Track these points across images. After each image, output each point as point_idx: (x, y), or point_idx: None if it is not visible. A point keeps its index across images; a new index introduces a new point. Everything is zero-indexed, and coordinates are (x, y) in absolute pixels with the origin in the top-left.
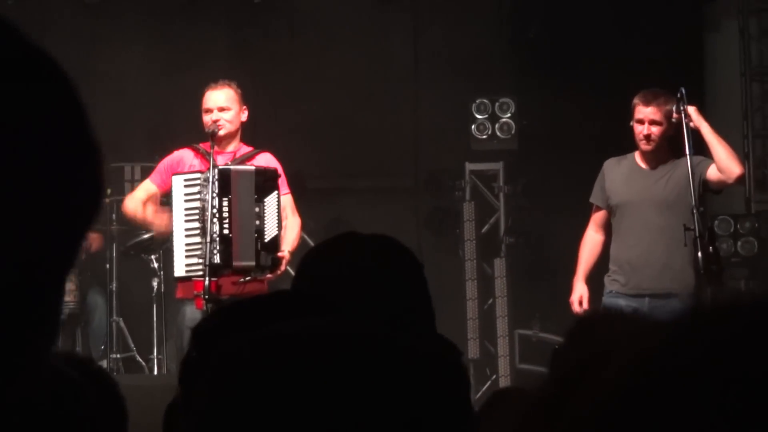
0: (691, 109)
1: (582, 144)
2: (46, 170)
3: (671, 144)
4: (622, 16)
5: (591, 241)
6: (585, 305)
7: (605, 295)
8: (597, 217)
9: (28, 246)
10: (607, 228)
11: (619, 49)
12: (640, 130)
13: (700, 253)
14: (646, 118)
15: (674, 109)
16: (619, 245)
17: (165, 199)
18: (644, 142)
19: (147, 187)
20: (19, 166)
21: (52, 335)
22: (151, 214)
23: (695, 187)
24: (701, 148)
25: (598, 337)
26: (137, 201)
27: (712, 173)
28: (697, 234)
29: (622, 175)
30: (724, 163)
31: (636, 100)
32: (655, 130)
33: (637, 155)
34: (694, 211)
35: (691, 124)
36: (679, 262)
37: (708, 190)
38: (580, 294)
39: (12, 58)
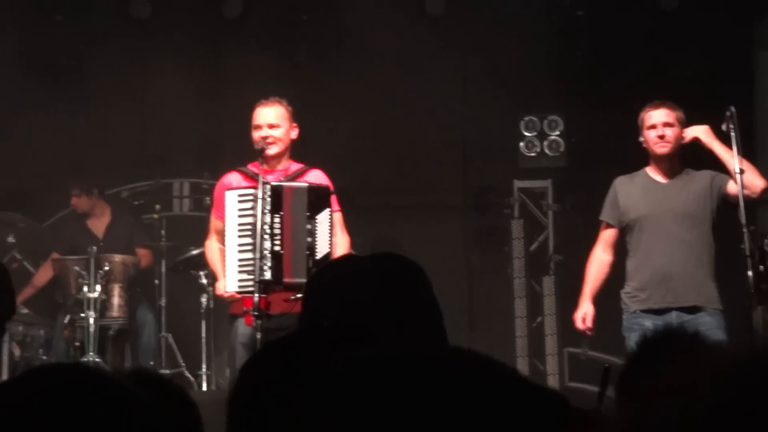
0: (702, 129)
1: (631, 161)
2: None
3: (683, 155)
4: (671, 34)
5: (599, 261)
6: (589, 323)
7: (626, 315)
8: (607, 236)
9: None
10: (616, 247)
11: (667, 67)
12: (654, 133)
13: (750, 272)
14: (659, 121)
15: (724, 126)
16: (640, 260)
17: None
18: (660, 144)
19: (215, 226)
20: None
21: None
22: (219, 270)
23: (743, 206)
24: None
25: (670, 363)
26: (216, 251)
27: (732, 188)
28: (748, 253)
29: (638, 190)
30: (747, 178)
31: (644, 110)
32: (669, 132)
33: (649, 170)
34: (744, 230)
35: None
36: (702, 274)
37: (727, 204)
38: (584, 312)
39: None
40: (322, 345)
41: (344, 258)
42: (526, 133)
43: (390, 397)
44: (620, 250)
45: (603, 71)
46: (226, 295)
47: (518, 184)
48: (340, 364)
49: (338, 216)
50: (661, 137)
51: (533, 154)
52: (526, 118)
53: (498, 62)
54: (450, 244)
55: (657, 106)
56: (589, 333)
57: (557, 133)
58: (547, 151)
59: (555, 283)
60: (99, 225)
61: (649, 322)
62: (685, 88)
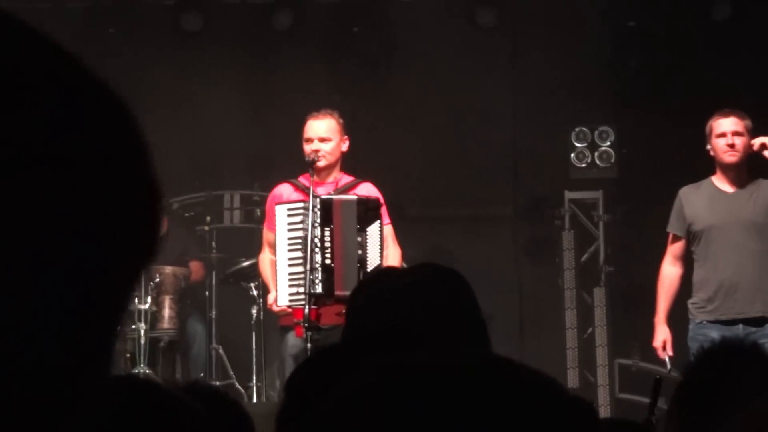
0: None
1: (682, 172)
2: (101, 208)
3: (749, 164)
4: (722, 43)
5: (669, 276)
6: (669, 351)
7: (693, 325)
8: (675, 248)
9: (82, 287)
10: (685, 259)
11: (719, 77)
12: (723, 142)
13: None
14: (729, 129)
15: None
16: (707, 270)
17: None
18: (729, 152)
19: (268, 239)
20: (71, 203)
21: (102, 372)
22: (271, 283)
23: None
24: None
25: (729, 377)
26: (267, 264)
27: None
28: None
29: (704, 200)
30: None
31: (713, 119)
32: (738, 141)
33: (714, 179)
34: None
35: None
36: None
37: None
38: (663, 339)
39: (66, 81)
40: (365, 355)
41: (384, 270)
42: (577, 144)
43: (415, 406)
44: (690, 260)
45: (654, 82)
46: (276, 309)
47: (569, 195)
48: (369, 373)
49: (389, 228)
50: (731, 146)
51: (584, 165)
52: (577, 129)
53: (549, 73)
54: (501, 256)
55: (726, 115)
56: (670, 360)
57: (608, 143)
58: (598, 162)
59: (606, 294)
60: None
61: (715, 333)
62: (738, 98)
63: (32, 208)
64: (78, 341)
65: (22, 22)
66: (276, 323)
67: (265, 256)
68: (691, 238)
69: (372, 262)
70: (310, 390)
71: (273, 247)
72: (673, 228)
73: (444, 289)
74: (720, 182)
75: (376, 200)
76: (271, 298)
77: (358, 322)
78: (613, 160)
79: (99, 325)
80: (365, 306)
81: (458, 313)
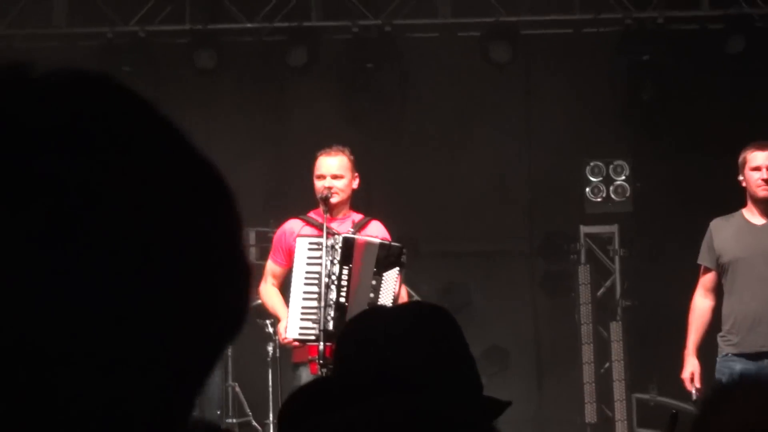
0: None
1: (698, 205)
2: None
3: None
4: (737, 76)
5: (700, 308)
6: (697, 383)
7: (720, 358)
8: (706, 280)
9: (175, 356)
10: (717, 291)
11: (733, 110)
12: (758, 176)
13: None
14: (763, 164)
15: None
16: (733, 303)
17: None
18: (763, 187)
19: (273, 271)
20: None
21: None
22: (281, 312)
23: None
24: None
25: (742, 413)
26: (274, 294)
27: None
28: None
29: (733, 232)
30: None
31: (748, 150)
32: None
33: (745, 211)
34: None
35: None
36: None
37: None
38: (691, 371)
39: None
40: (358, 390)
41: (373, 308)
42: (592, 179)
43: None
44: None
45: (668, 115)
46: (285, 341)
47: (584, 229)
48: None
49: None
50: (765, 180)
51: (599, 200)
52: (592, 164)
53: (563, 108)
54: (517, 290)
55: (762, 148)
56: (697, 393)
57: (623, 178)
58: (613, 196)
59: (622, 329)
60: None
61: (739, 366)
62: (752, 130)
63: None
64: (176, 393)
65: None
66: (290, 360)
67: (267, 287)
68: (721, 270)
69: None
70: (303, 420)
71: (278, 279)
72: (703, 260)
73: (431, 328)
74: (750, 215)
75: (399, 247)
76: (282, 326)
77: (347, 359)
78: (628, 194)
79: (192, 382)
80: (349, 341)
81: (446, 351)
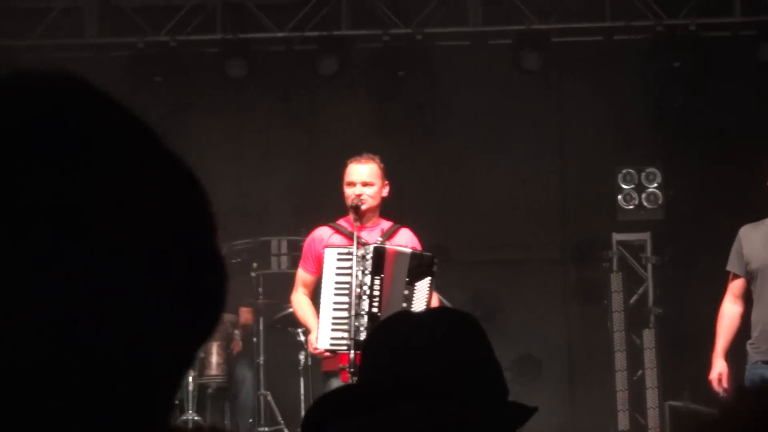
0: None
1: (730, 212)
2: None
3: None
4: None
5: (729, 314)
6: (725, 383)
7: (749, 365)
8: (735, 286)
9: (150, 347)
10: (746, 297)
11: (766, 116)
12: None
13: None
14: None
15: None
16: (761, 310)
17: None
18: None
19: (303, 280)
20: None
21: None
22: (312, 323)
23: None
24: None
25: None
26: (305, 304)
27: None
28: None
29: (761, 239)
30: None
31: None
32: None
33: None
34: None
35: None
36: None
37: None
38: (719, 372)
39: (148, 163)
40: (383, 397)
41: (399, 314)
42: (624, 186)
43: None
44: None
45: (700, 123)
46: (316, 352)
47: (617, 237)
48: None
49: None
50: None
51: (631, 207)
52: (624, 171)
53: (594, 115)
54: (549, 298)
55: None
56: (725, 393)
57: (655, 185)
58: (645, 203)
59: (655, 336)
60: None
61: None
62: None
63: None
64: (154, 391)
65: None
66: (320, 369)
67: (299, 297)
68: (749, 277)
69: None
70: (324, 427)
71: (309, 287)
72: (732, 267)
73: (456, 334)
74: None
75: (431, 257)
76: (312, 337)
77: (372, 365)
78: (660, 202)
79: (171, 378)
80: (375, 346)
81: (472, 357)
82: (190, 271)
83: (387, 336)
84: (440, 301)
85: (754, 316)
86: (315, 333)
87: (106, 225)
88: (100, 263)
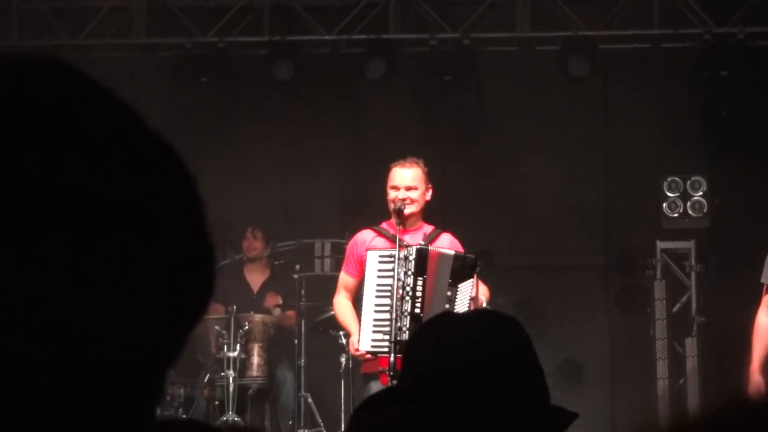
0: None
1: None
2: (162, 265)
3: None
4: None
5: (763, 327)
6: None
7: None
8: None
9: (137, 334)
10: None
11: None
12: None
13: None
14: None
15: None
16: None
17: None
18: None
19: (345, 283)
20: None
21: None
22: (353, 327)
23: None
24: None
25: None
26: (346, 308)
27: None
28: None
29: None
30: None
31: None
32: None
33: None
34: None
35: None
36: None
37: None
38: (756, 388)
39: (131, 141)
40: (427, 399)
41: (443, 314)
42: (669, 194)
43: None
44: None
45: (747, 132)
46: (357, 354)
47: (661, 245)
48: None
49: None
50: None
51: (676, 215)
52: (669, 179)
53: (641, 122)
54: (592, 305)
55: None
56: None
57: (700, 193)
58: (690, 211)
59: (698, 345)
60: (257, 278)
61: None
62: None
63: (112, 264)
64: (143, 378)
65: (91, 80)
66: (359, 371)
67: (341, 300)
68: None
69: None
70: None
71: (350, 291)
72: (766, 279)
73: (499, 336)
74: None
75: (473, 259)
76: (354, 339)
77: (415, 365)
78: (705, 210)
79: (159, 366)
80: (422, 351)
81: (514, 360)
82: (178, 253)
83: (430, 336)
84: (489, 293)
85: None
86: (356, 336)
87: (86, 206)
88: (81, 247)
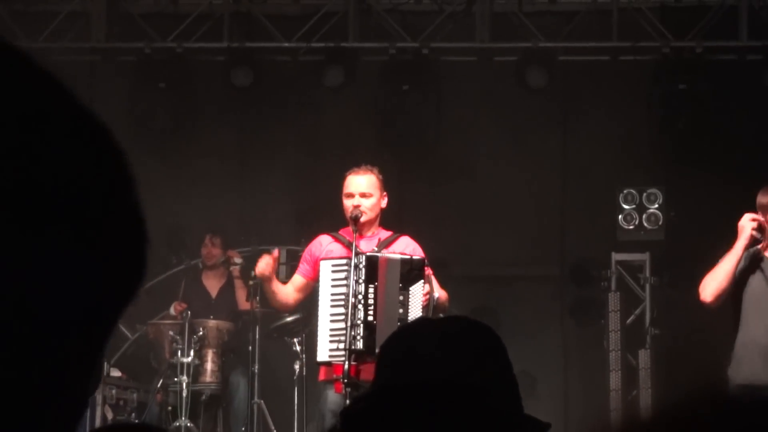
0: None
1: (731, 236)
2: (94, 242)
3: None
4: None
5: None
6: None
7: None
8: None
9: (67, 309)
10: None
11: None
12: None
13: None
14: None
15: None
16: (743, 333)
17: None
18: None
19: (293, 280)
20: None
21: (74, 410)
22: (278, 288)
23: None
24: None
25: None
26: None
27: None
28: None
29: (748, 266)
30: None
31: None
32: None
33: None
34: None
35: None
36: None
37: None
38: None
39: (63, 119)
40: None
41: (418, 321)
42: (625, 206)
43: None
44: None
45: (704, 145)
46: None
47: (616, 256)
48: None
49: (432, 279)
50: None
51: (631, 227)
52: (625, 191)
53: (598, 134)
54: (546, 316)
55: (763, 193)
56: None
57: (656, 206)
58: (645, 224)
59: (651, 357)
60: (214, 284)
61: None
62: None
63: (42, 252)
64: (73, 361)
65: (33, 62)
66: (316, 378)
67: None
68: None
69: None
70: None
71: (297, 289)
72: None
73: (478, 346)
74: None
75: (421, 260)
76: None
77: (390, 370)
78: (660, 223)
79: (90, 348)
80: (399, 357)
81: (492, 369)
82: (107, 228)
83: (407, 341)
84: (447, 295)
85: (738, 337)
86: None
87: (12, 179)
88: (8, 224)
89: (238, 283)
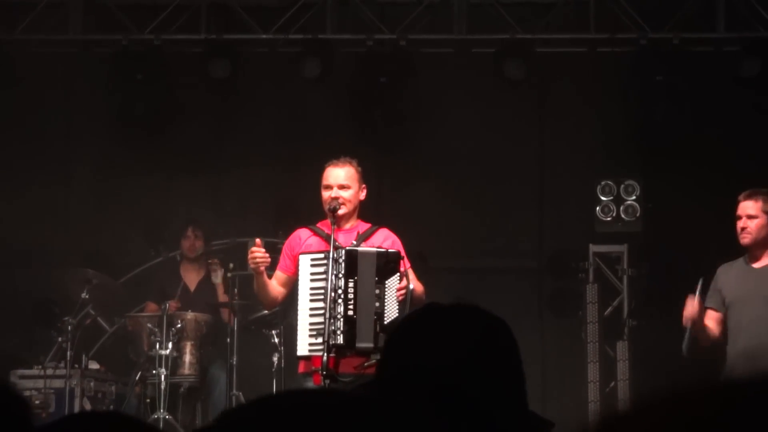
0: None
1: (708, 228)
2: None
3: None
4: (751, 99)
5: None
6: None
7: None
8: (711, 315)
9: None
10: (724, 327)
11: (746, 132)
12: (739, 225)
13: None
14: (743, 213)
15: None
16: (732, 342)
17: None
18: (742, 235)
19: (275, 275)
20: None
21: None
22: (268, 283)
23: None
24: None
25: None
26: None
27: None
28: None
29: (734, 275)
30: None
31: (738, 198)
32: (752, 224)
33: (747, 256)
34: None
35: None
36: None
37: None
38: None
39: None
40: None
41: (427, 308)
42: (603, 198)
43: None
44: None
45: (681, 137)
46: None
47: (594, 248)
48: None
49: (409, 272)
50: (743, 229)
51: (609, 219)
52: (603, 183)
53: (576, 126)
54: (524, 308)
55: (744, 197)
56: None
57: (633, 197)
58: (623, 215)
59: (629, 349)
60: (193, 277)
61: None
62: (766, 154)
63: None
64: None
65: None
66: (296, 371)
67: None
68: (725, 312)
69: (389, 314)
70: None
71: (281, 284)
72: (709, 302)
73: (490, 340)
74: (749, 259)
75: (397, 253)
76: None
77: (398, 358)
78: (638, 214)
79: None
80: (400, 344)
81: (500, 366)
82: None
83: (416, 332)
84: (423, 288)
85: (727, 349)
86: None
87: None
88: None
89: (217, 276)
